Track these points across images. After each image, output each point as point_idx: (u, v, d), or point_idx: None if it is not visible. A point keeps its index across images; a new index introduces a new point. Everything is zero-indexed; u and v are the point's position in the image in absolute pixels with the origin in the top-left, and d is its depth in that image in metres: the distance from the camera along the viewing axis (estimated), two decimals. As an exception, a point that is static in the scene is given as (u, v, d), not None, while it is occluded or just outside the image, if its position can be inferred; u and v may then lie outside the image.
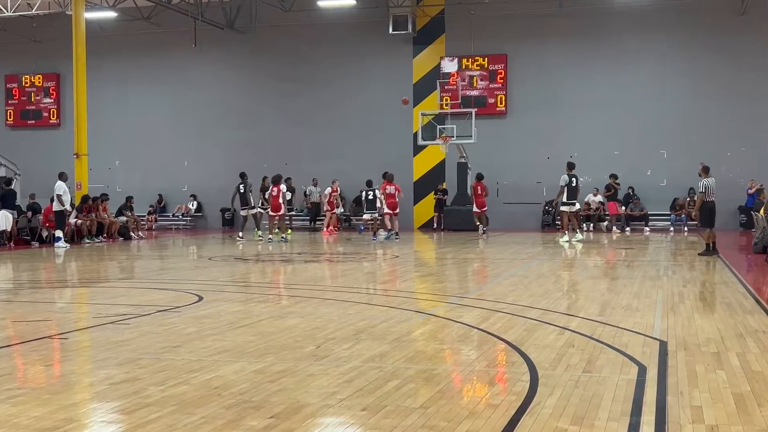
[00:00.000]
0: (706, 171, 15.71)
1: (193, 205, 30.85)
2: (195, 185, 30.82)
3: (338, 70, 29.49)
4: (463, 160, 26.75)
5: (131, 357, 6.21)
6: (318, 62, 29.68)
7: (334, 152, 29.04)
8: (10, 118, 32.78)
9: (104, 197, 23.42)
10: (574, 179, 20.36)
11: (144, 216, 29.17)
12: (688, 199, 25.86)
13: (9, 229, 20.65)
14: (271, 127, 29.96)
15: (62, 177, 20.81)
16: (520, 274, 12.72)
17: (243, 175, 22.48)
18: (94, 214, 22.50)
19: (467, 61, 28.47)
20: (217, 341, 6.84)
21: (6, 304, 8.12)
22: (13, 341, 7.03)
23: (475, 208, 24.02)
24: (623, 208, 26.13)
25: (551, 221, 27.37)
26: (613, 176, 25.85)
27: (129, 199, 25.35)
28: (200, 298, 9.61)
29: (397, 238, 21.86)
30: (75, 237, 21.61)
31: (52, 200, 20.90)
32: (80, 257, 17.37)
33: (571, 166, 20.69)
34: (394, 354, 6.28)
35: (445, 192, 27.80)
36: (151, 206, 30.82)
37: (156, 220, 30.38)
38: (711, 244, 15.63)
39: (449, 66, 28.63)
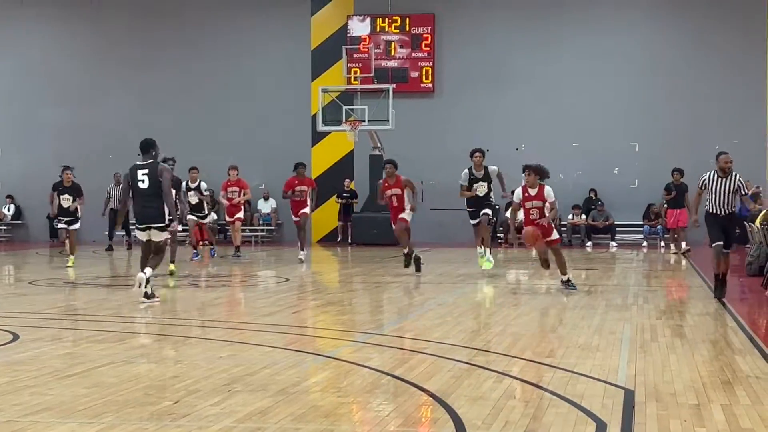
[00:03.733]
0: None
1: (8, 210, 30.14)
2: (12, 183, 30.08)
3: (210, 32, 29.25)
4: (377, 152, 26.88)
5: None
6: (184, 22, 29.39)
7: (205, 141, 28.75)
8: None
9: None
10: None
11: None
12: (665, 204, 26.64)
13: None
14: (119, 107, 29.48)
15: None
16: (449, 302, 12.84)
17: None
18: None
19: (383, 21, 28.68)
20: (37, 396, 6.67)
21: None
22: None
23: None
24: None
25: (492, 233, 27.73)
26: (678, 171, 23.09)
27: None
28: (15, 337, 9.37)
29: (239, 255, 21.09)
30: None
31: None
32: None
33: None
34: (278, 410, 6.24)
35: (352, 194, 27.89)
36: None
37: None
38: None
39: (359, 28, 28.77)
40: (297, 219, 20.25)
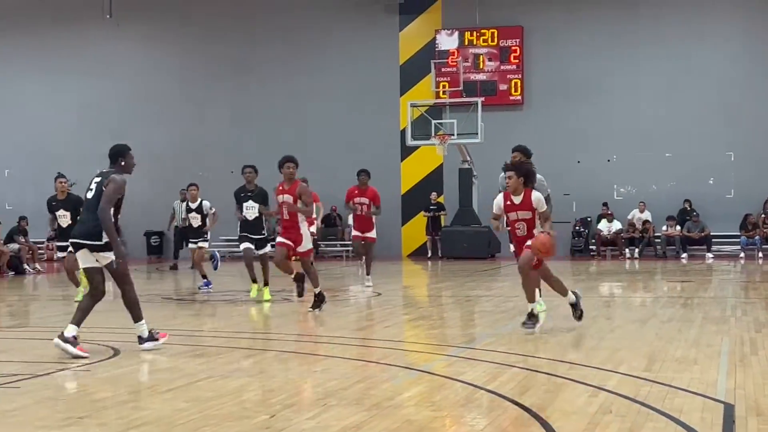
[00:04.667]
0: None
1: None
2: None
3: (300, 50, 29.60)
4: (466, 165, 26.89)
5: (22, 432, 6.18)
6: (273, 39, 29.80)
7: (300, 157, 29.03)
8: None
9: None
10: None
11: (43, 242, 28.98)
12: (764, 215, 26.05)
13: None
14: (212, 125, 30.00)
15: None
16: (542, 316, 12.75)
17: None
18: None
19: (471, 35, 28.70)
20: (138, 410, 6.82)
21: None
22: None
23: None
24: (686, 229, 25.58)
25: (583, 246, 27.50)
26: None
27: (22, 220, 25.18)
28: (116, 352, 9.57)
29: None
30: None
31: None
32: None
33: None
34: (373, 424, 6.27)
35: (439, 207, 27.90)
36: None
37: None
38: None
39: (447, 42, 28.83)
40: (357, 234, 17.41)
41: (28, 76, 31.39)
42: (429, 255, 27.88)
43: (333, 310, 14.70)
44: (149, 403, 7.07)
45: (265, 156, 29.35)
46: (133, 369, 8.63)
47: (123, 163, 9.92)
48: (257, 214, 15.27)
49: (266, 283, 15.19)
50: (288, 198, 13.10)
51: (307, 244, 13.18)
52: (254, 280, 15.41)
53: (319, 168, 27.96)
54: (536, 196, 10.89)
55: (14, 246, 23.93)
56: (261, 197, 15.23)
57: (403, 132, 27.91)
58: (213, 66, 30.19)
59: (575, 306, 11.19)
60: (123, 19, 30.29)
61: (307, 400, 7.05)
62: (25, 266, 23.68)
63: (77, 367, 8.70)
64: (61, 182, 15.12)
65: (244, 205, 15.29)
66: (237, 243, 16.21)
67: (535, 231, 10.78)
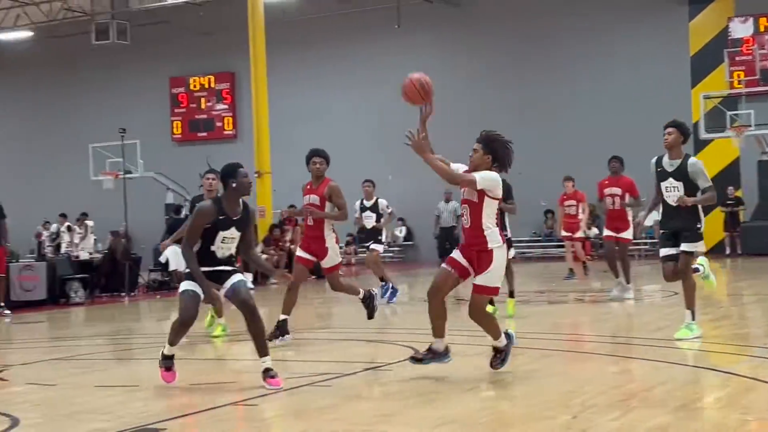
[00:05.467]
0: None
1: (401, 232, 31.53)
2: (403, 206, 31.44)
3: (585, 48, 29.29)
4: (765, 158, 25.73)
5: (333, 429, 6.47)
6: (557, 39, 29.66)
7: (580, 154, 28.74)
8: (177, 130, 35.27)
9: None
10: None
11: (341, 247, 30.15)
12: None
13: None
14: (499, 126, 30.11)
15: None
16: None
17: None
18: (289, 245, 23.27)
19: (767, 20, 27.40)
20: (441, 408, 6.99)
21: (181, 364, 8.72)
22: (188, 410, 7.52)
23: None
24: None
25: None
26: None
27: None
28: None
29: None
30: (258, 276, 22.81)
31: None
32: (266, 301, 18.28)
33: None
34: (680, 427, 6.15)
35: (738, 202, 26.75)
36: (350, 235, 31.76)
37: (356, 252, 31.25)
38: None
39: (741, 29, 27.65)
40: (609, 234, 14.75)
41: (321, 88, 32.80)
42: (728, 252, 26.77)
43: (627, 311, 14.43)
44: (453, 402, 7.23)
45: (551, 156, 29.33)
46: (433, 369, 8.84)
47: (234, 185, 8.15)
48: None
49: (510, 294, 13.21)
50: (314, 199, 10.88)
51: (333, 259, 10.88)
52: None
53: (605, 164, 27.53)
54: (486, 173, 8.38)
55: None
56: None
57: (695, 125, 26.96)
58: (496, 68, 30.37)
59: (500, 351, 8.31)
60: (410, 27, 31.10)
61: (608, 401, 6.97)
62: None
63: (381, 366, 9.03)
64: (208, 180, 11.65)
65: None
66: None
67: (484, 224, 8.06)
